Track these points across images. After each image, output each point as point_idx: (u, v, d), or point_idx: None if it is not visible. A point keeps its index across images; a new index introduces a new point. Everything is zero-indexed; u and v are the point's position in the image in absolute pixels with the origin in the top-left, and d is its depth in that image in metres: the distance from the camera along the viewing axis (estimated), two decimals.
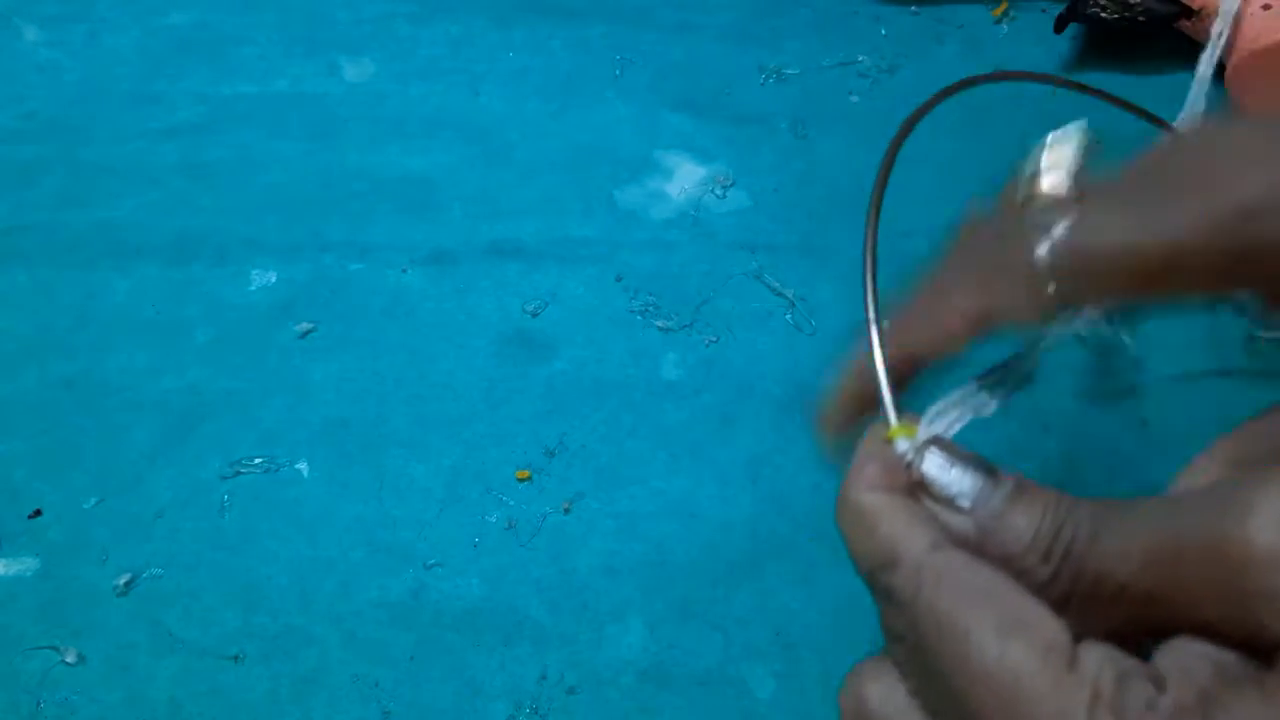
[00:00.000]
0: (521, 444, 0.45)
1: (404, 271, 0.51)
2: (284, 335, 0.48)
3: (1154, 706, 0.16)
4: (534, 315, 0.49)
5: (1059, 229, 0.19)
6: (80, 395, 0.47)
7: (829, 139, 0.56)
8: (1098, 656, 0.16)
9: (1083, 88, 0.28)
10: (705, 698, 0.39)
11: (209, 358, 0.48)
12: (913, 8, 0.62)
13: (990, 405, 0.22)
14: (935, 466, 0.20)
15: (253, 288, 0.50)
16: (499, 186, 0.54)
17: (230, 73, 0.59)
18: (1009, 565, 0.18)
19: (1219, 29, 0.51)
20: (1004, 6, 0.61)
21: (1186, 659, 0.17)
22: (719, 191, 0.53)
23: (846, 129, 0.56)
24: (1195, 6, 0.54)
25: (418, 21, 0.61)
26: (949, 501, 0.19)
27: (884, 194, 0.23)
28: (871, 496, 0.20)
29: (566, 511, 0.43)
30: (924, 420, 0.21)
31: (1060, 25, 0.57)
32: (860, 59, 0.59)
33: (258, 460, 0.45)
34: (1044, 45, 0.59)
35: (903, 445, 0.20)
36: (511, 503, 0.44)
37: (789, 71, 0.59)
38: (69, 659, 0.40)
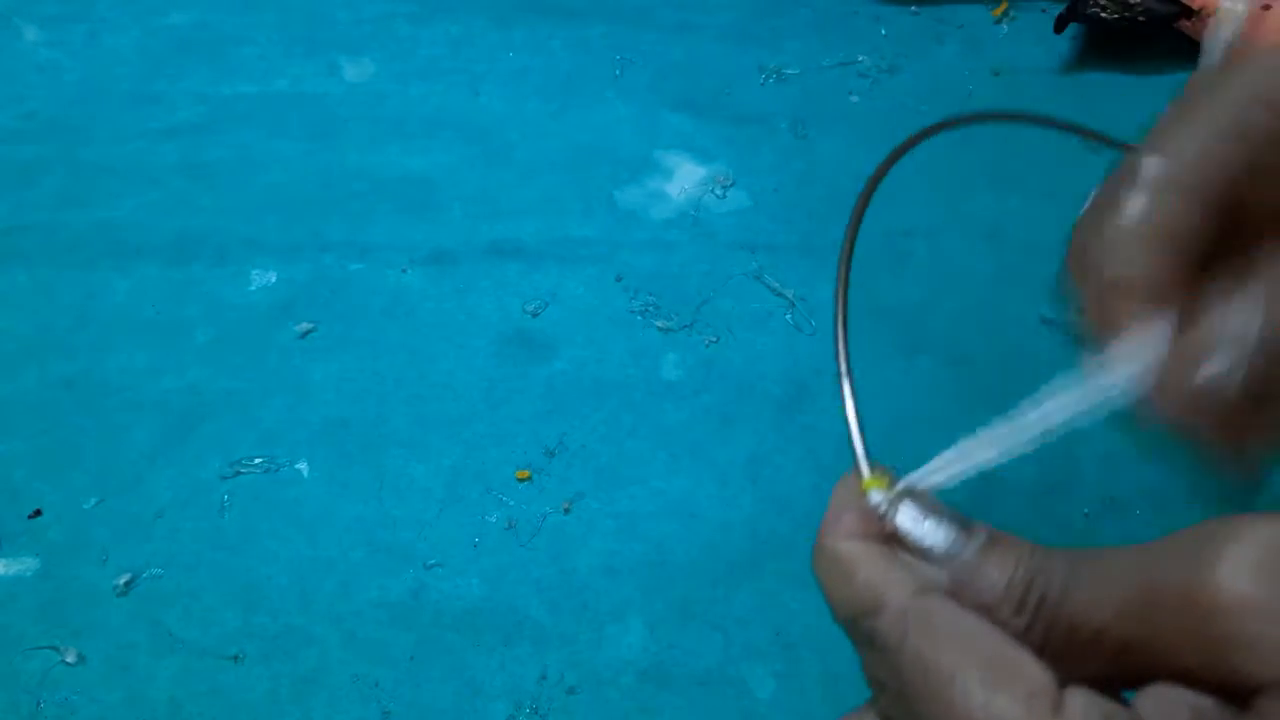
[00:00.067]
0: (521, 444, 0.45)
1: (404, 271, 0.51)
2: (284, 335, 0.48)
3: None
4: (534, 315, 0.49)
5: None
6: (80, 395, 0.47)
7: (829, 139, 0.56)
8: (1082, 701, 0.17)
9: (1056, 124, 0.28)
10: (705, 698, 0.39)
11: (209, 358, 0.48)
12: (913, 8, 0.62)
13: (993, 457, 0.22)
14: (908, 519, 0.20)
15: (253, 288, 0.50)
16: (499, 186, 0.54)
17: (230, 73, 0.59)
18: (984, 616, 0.18)
19: (1226, 35, 0.51)
20: (1004, 6, 0.61)
21: (1165, 704, 0.17)
22: (719, 191, 0.53)
23: (846, 129, 0.56)
24: (1195, 6, 0.54)
25: (418, 21, 0.61)
26: (922, 553, 0.20)
27: (854, 249, 0.24)
28: (849, 544, 0.20)
29: (566, 511, 0.43)
30: (922, 472, 0.21)
31: (1060, 25, 0.57)
32: (860, 59, 0.59)
33: (258, 460, 0.45)
34: (1044, 45, 0.59)
35: (876, 497, 0.20)
36: (511, 503, 0.44)
37: (789, 71, 0.59)
38: (69, 659, 0.40)
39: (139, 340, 0.48)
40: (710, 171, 0.54)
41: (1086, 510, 0.43)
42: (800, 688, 0.39)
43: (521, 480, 0.44)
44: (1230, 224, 0.21)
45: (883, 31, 0.61)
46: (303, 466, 0.44)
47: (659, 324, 0.49)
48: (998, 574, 0.18)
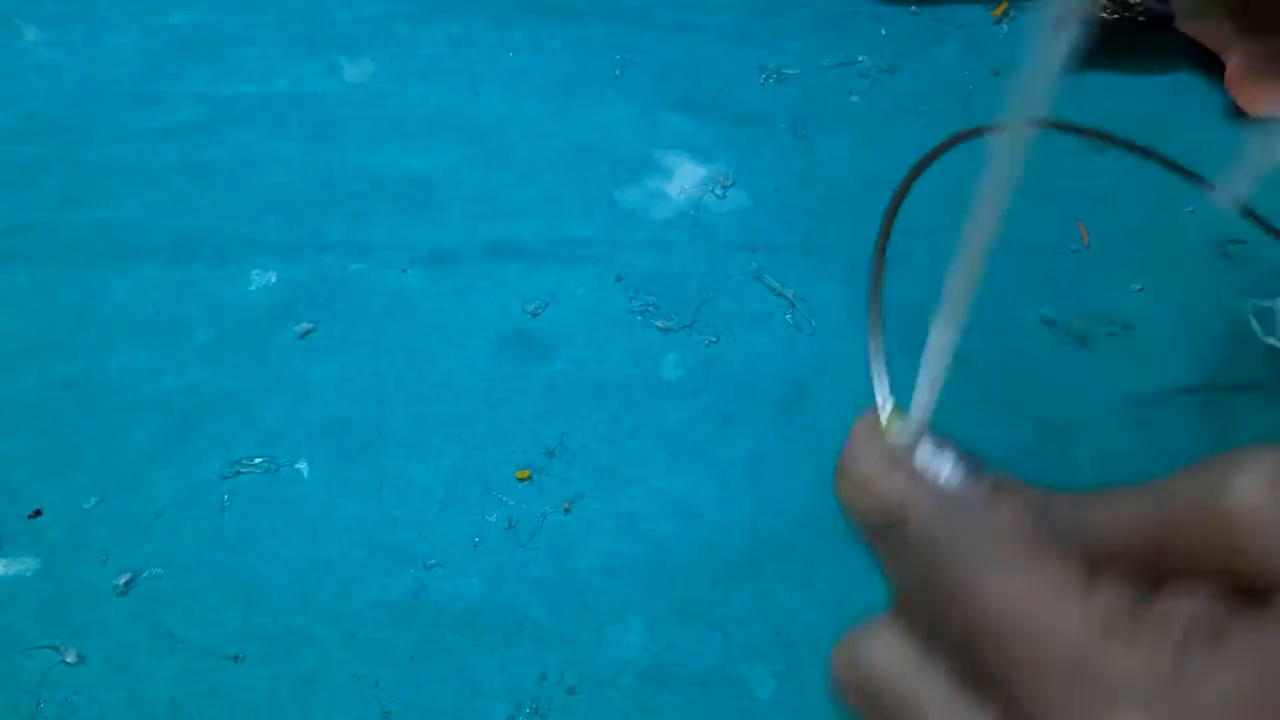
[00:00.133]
0: (521, 444, 0.45)
1: (404, 271, 0.51)
2: (284, 335, 0.48)
3: (1169, 623, 0.16)
4: (534, 315, 0.49)
5: None
6: (80, 395, 0.47)
7: (829, 139, 0.56)
8: (1113, 584, 0.17)
9: (1120, 143, 0.28)
10: (705, 698, 0.39)
11: (209, 358, 0.48)
12: (913, 8, 0.62)
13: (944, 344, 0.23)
14: (927, 453, 0.20)
15: (253, 288, 0.50)
16: (499, 186, 0.54)
17: (230, 73, 0.59)
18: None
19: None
20: (1004, 6, 0.61)
21: (1188, 595, 0.17)
22: (719, 191, 0.53)
23: (846, 129, 0.56)
24: None
25: (418, 21, 0.61)
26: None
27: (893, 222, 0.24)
28: (875, 462, 0.21)
29: (566, 511, 0.43)
30: (920, 398, 0.22)
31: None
32: (860, 59, 0.59)
33: (258, 460, 0.45)
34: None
35: (896, 431, 0.21)
36: (511, 503, 0.44)
37: (789, 71, 0.59)
38: (69, 659, 0.40)
39: (139, 340, 0.48)
40: (710, 171, 0.54)
41: None
42: (800, 688, 0.39)
43: (521, 480, 0.44)
44: None
45: (883, 31, 0.61)
46: (303, 466, 0.45)
47: (659, 324, 0.49)
48: (1008, 512, 0.19)
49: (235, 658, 0.40)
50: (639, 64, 0.59)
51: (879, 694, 0.19)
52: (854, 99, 0.58)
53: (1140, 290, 0.49)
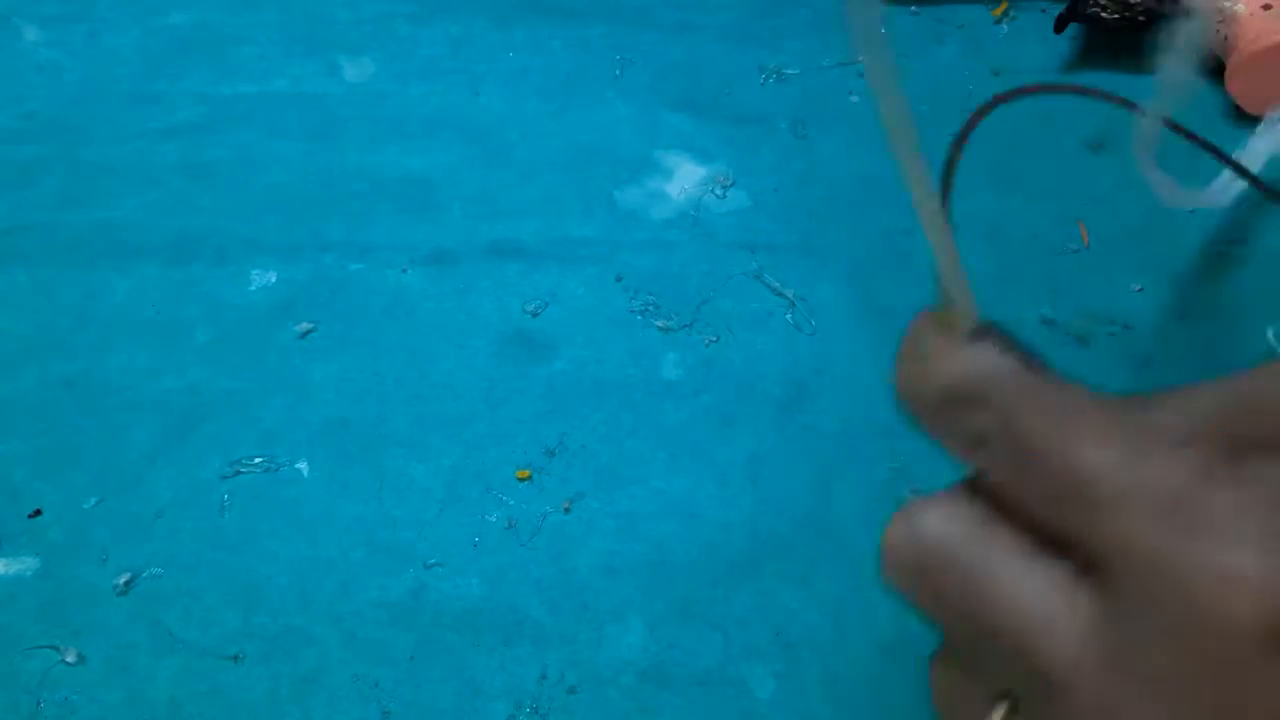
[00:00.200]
0: (521, 444, 0.45)
1: (404, 271, 0.51)
2: (284, 335, 0.48)
3: (1266, 477, 0.16)
4: (534, 315, 0.49)
5: None
6: (80, 395, 0.47)
7: (829, 139, 0.56)
8: (1203, 445, 0.17)
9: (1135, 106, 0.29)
10: (705, 698, 0.39)
11: (209, 358, 0.48)
12: (913, 8, 0.62)
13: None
14: (992, 339, 0.20)
15: (253, 288, 0.50)
16: (499, 186, 0.54)
17: (230, 73, 0.59)
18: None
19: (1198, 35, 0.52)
20: (1004, 6, 0.61)
21: (1273, 465, 0.17)
22: (719, 191, 0.53)
23: (846, 129, 0.56)
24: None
25: (418, 21, 0.61)
26: None
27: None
28: (943, 342, 0.20)
29: (566, 511, 0.43)
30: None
31: (1060, 25, 0.57)
32: (860, 59, 0.59)
33: (258, 460, 0.45)
34: (1044, 45, 0.59)
35: (965, 324, 0.20)
36: (511, 503, 0.44)
37: (789, 71, 0.59)
38: (69, 659, 0.40)
39: (139, 340, 0.48)
40: (710, 171, 0.54)
41: None
42: (800, 688, 0.39)
43: (521, 480, 0.44)
44: None
45: (882, 31, 0.61)
46: (303, 466, 0.45)
47: (659, 324, 0.49)
48: (1086, 391, 0.19)
49: (235, 658, 0.40)
50: (639, 64, 0.59)
51: (941, 567, 0.19)
52: (854, 99, 0.58)
53: (1140, 290, 0.49)
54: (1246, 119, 0.54)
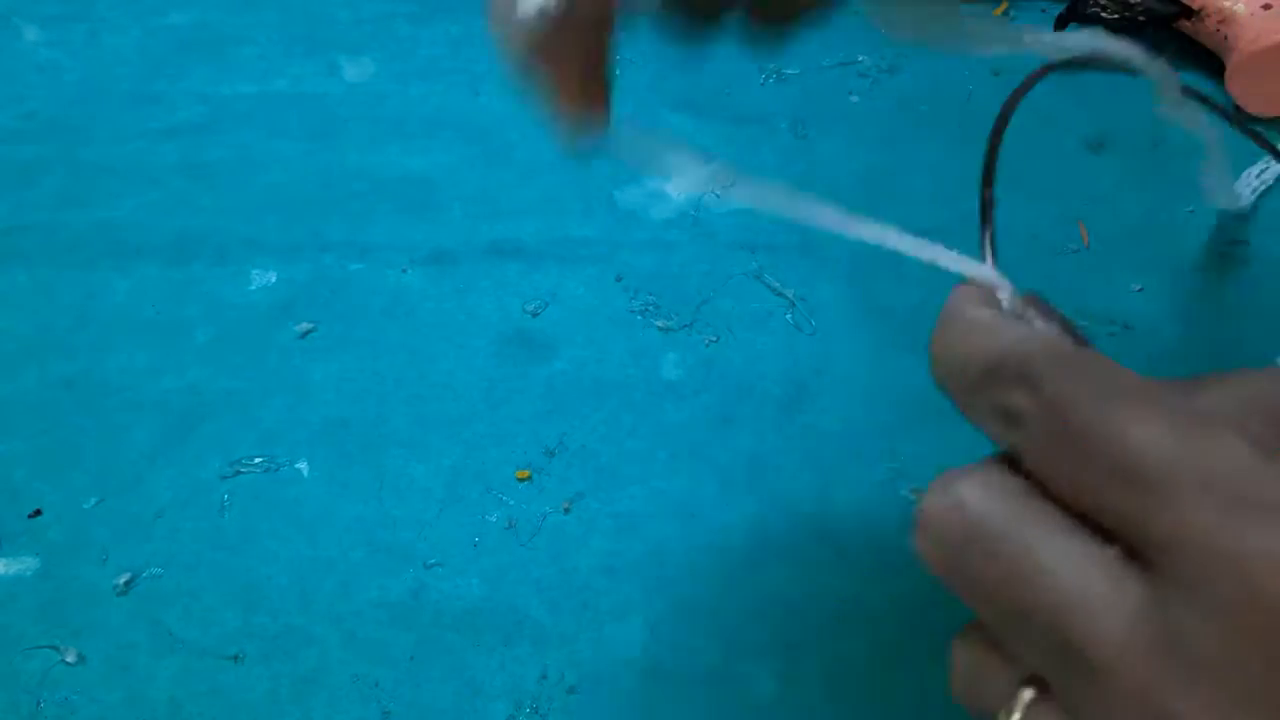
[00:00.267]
0: (521, 444, 0.45)
1: (404, 271, 0.51)
2: (284, 335, 0.48)
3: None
4: (534, 315, 0.49)
5: None
6: (80, 395, 0.47)
7: (829, 139, 0.56)
8: (1256, 425, 0.17)
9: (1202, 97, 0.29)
10: (705, 697, 0.39)
11: (209, 358, 0.48)
12: None
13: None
14: (1033, 313, 0.20)
15: (253, 288, 0.50)
16: (499, 186, 0.54)
17: (230, 73, 0.59)
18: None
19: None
20: (1004, 6, 0.61)
21: None
22: (719, 191, 0.53)
23: (846, 129, 0.56)
24: (1195, 6, 0.54)
25: (418, 21, 0.61)
26: None
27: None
28: (983, 316, 0.20)
29: (566, 511, 0.43)
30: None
31: (1060, 25, 0.57)
32: (860, 59, 0.59)
33: (258, 460, 0.45)
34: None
35: (1004, 294, 0.20)
36: (511, 503, 0.44)
37: (789, 71, 0.59)
38: (69, 659, 0.40)
39: (139, 340, 0.48)
40: (710, 171, 0.54)
41: None
42: (800, 688, 0.39)
43: (521, 480, 0.44)
44: None
45: (883, 31, 0.61)
46: (303, 466, 0.45)
47: (659, 324, 0.49)
48: (1129, 370, 0.18)
49: (235, 658, 0.40)
50: (639, 64, 0.59)
51: (979, 537, 0.18)
52: (854, 99, 0.58)
53: (1140, 290, 0.49)
54: (1247, 119, 0.54)
